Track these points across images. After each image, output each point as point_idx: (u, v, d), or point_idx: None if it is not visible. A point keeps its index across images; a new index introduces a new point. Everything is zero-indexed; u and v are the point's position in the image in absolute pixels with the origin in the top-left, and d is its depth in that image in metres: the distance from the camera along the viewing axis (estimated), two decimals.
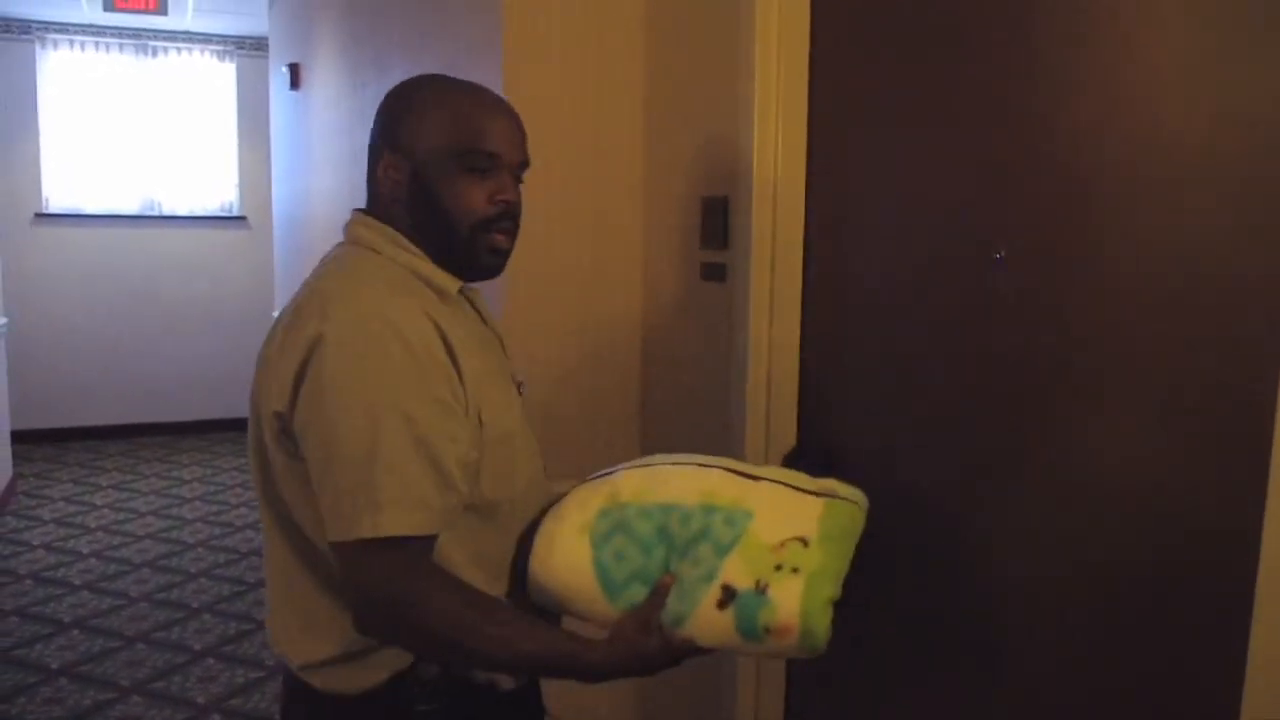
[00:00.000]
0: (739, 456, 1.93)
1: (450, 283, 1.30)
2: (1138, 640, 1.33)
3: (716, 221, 2.00)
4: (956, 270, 1.58)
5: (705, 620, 1.18)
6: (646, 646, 1.20)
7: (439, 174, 1.26)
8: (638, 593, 1.23)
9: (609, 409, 2.27)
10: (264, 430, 1.23)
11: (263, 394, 1.23)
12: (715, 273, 2.01)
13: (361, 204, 1.34)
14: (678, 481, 1.28)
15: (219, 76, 6.91)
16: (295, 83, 4.93)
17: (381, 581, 1.15)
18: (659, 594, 1.22)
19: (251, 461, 1.30)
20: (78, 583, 4.26)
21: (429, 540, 1.18)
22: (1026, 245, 1.46)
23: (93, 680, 3.40)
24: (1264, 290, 1.12)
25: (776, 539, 1.19)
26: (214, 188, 6.96)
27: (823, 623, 1.16)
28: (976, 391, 1.55)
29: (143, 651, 3.63)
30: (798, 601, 1.15)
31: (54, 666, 3.50)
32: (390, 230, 1.29)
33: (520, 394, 1.43)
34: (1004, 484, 1.51)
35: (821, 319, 1.88)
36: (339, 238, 1.35)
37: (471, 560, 1.26)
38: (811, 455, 1.87)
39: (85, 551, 4.64)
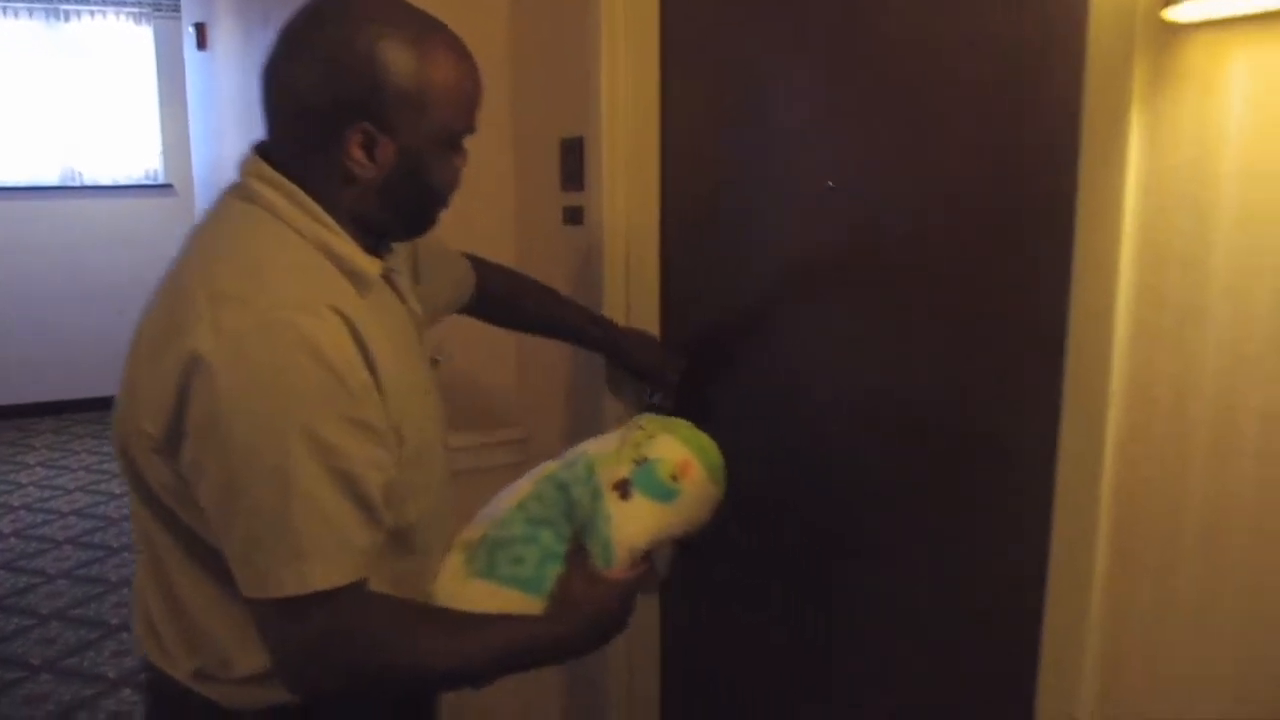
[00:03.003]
0: (604, 405, 1.88)
1: (372, 266, 1.11)
2: (943, 543, 1.30)
3: (573, 163, 1.93)
4: (796, 200, 1.53)
5: (626, 521, 1.18)
6: (597, 594, 1.16)
7: (434, 158, 1.10)
8: (556, 569, 1.20)
9: (486, 365, 2.21)
10: (131, 443, 1.06)
11: (130, 403, 1.05)
12: (574, 216, 1.95)
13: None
14: (507, 493, 1.30)
15: (135, 40, 6.70)
16: (202, 43, 4.78)
17: (317, 638, 1.02)
18: (577, 551, 1.19)
19: (120, 464, 1.11)
20: None
21: (360, 584, 1.04)
22: (854, 175, 1.42)
23: (1, 660, 3.34)
24: (1054, 212, 1.07)
25: (619, 444, 1.26)
26: (137, 156, 6.79)
27: (710, 445, 1.26)
28: (819, 322, 1.51)
29: (56, 629, 3.56)
30: (678, 443, 1.24)
31: None
32: (301, 194, 1.06)
33: (436, 367, 1.32)
34: (841, 405, 1.48)
35: (683, 261, 1.82)
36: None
37: (390, 584, 1.13)
38: (673, 408, 1.82)
39: (6, 531, 4.54)
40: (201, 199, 5.48)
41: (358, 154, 1.05)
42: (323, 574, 0.98)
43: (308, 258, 1.06)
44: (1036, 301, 1.12)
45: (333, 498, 0.98)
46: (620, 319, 1.83)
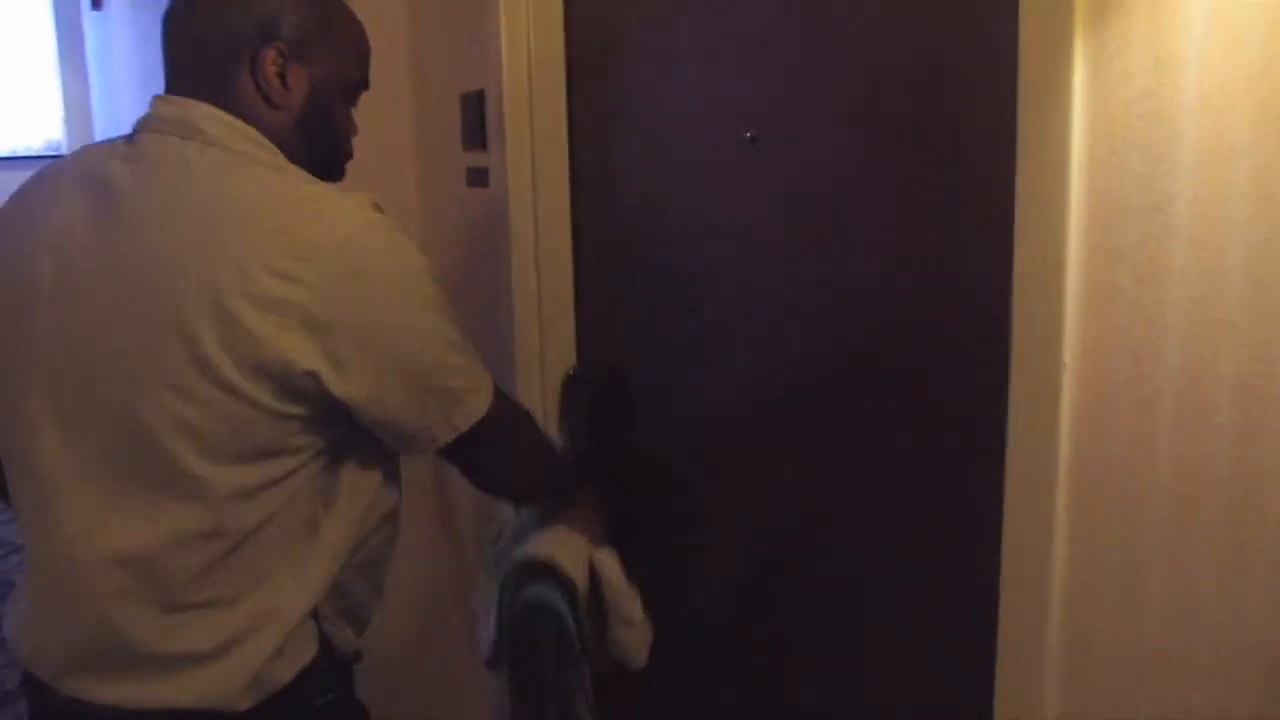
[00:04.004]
0: (511, 379, 1.73)
1: None
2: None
3: (474, 120, 1.77)
4: (713, 156, 1.39)
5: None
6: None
7: (333, 101, 1.16)
8: None
9: None
10: (248, 383, 0.97)
11: (267, 344, 0.96)
12: (478, 178, 1.79)
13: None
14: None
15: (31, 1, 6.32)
16: (97, 1, 4.49)
17: (508, 428, 1.23)
18: None
19: (118, 452, 1.01)
20: None
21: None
22: (774, 125, 1.28)
23: None
24: (993, 160, 0.95)
25: None
26: (36, 125, 6.43)
27: None
28: (744, 283, 1.38)
29: None
30: None
31: None
32: (259, 135, 1.08)
33: None
34: (769, 372, 1.35)
35: (596, 223, 1.67)
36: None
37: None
38: (594, 378, 1.69)
39: None
40: None
41: (274, 80, 1.08)
42: (487, 387, 1.15)
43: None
44: (976, 260, 0.99)
45: (461, 337, 1.13)
46: (530, 288, 1.68)
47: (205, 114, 1.05)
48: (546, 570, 1.23)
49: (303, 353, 0.96)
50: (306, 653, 1.11)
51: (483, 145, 1.75)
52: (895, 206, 1.12)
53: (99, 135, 5.25)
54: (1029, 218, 0.87)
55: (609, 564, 1.27)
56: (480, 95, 1.73)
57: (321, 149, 1.16)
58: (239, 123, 1.06)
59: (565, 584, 1.23)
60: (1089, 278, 0.84)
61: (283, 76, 1.09)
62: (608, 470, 1.62)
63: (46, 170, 1.14)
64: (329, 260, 0.98)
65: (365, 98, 1.91)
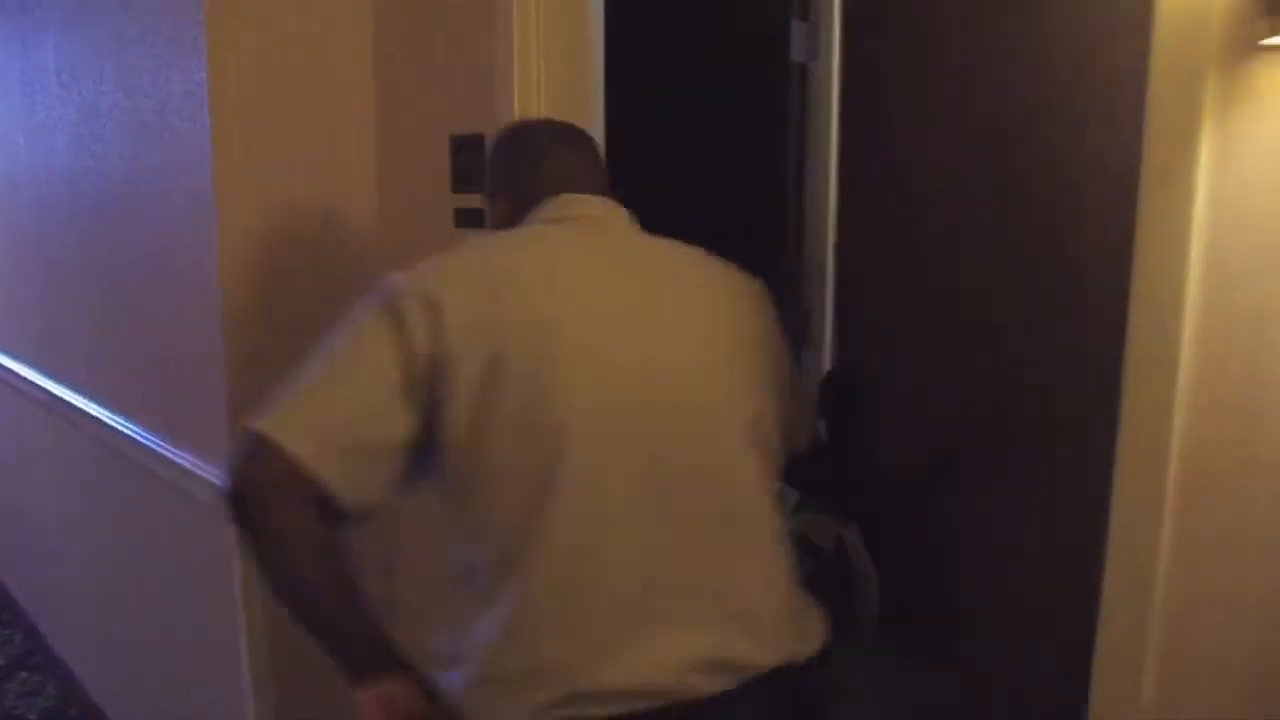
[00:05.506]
0: None
1: None
2: None
3: (470, 163, 1.79)
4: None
5: None
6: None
7: None
8: None
9: None
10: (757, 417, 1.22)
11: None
12: (473, 218, 1.80)
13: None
14: None
15: None
16: None
17: None
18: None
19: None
20: None
21: None
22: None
23: None
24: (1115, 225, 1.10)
25: None
26: None
27: None
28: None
29: None
30: None
31: None
32: None
33: None
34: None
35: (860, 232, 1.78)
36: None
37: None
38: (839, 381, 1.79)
39: None
40: None
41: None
42: None
43: None
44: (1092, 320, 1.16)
45: None
46: None
47: (615, 208, 1.32)
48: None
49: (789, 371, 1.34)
50: None
51: (481, 187, 1.77)
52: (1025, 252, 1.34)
53: None
54: (1148, 269, 1.02)
55: (853, 536, 1.55)
56: (479, 139, 1.76)
57: None
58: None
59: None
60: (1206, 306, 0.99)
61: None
62: (847, 463, 1.70)
63: (538, 238, 1.25)
64: (764, 298, 1.33)
65: (327, 132, 1.93)
